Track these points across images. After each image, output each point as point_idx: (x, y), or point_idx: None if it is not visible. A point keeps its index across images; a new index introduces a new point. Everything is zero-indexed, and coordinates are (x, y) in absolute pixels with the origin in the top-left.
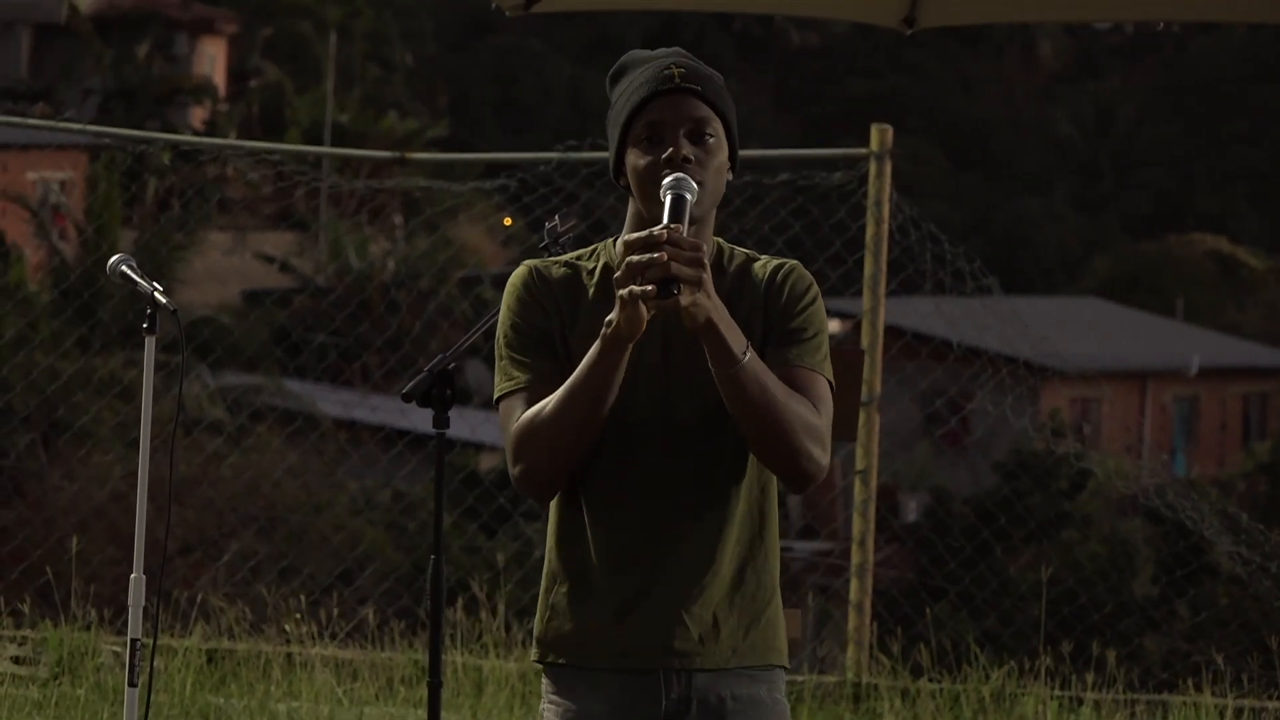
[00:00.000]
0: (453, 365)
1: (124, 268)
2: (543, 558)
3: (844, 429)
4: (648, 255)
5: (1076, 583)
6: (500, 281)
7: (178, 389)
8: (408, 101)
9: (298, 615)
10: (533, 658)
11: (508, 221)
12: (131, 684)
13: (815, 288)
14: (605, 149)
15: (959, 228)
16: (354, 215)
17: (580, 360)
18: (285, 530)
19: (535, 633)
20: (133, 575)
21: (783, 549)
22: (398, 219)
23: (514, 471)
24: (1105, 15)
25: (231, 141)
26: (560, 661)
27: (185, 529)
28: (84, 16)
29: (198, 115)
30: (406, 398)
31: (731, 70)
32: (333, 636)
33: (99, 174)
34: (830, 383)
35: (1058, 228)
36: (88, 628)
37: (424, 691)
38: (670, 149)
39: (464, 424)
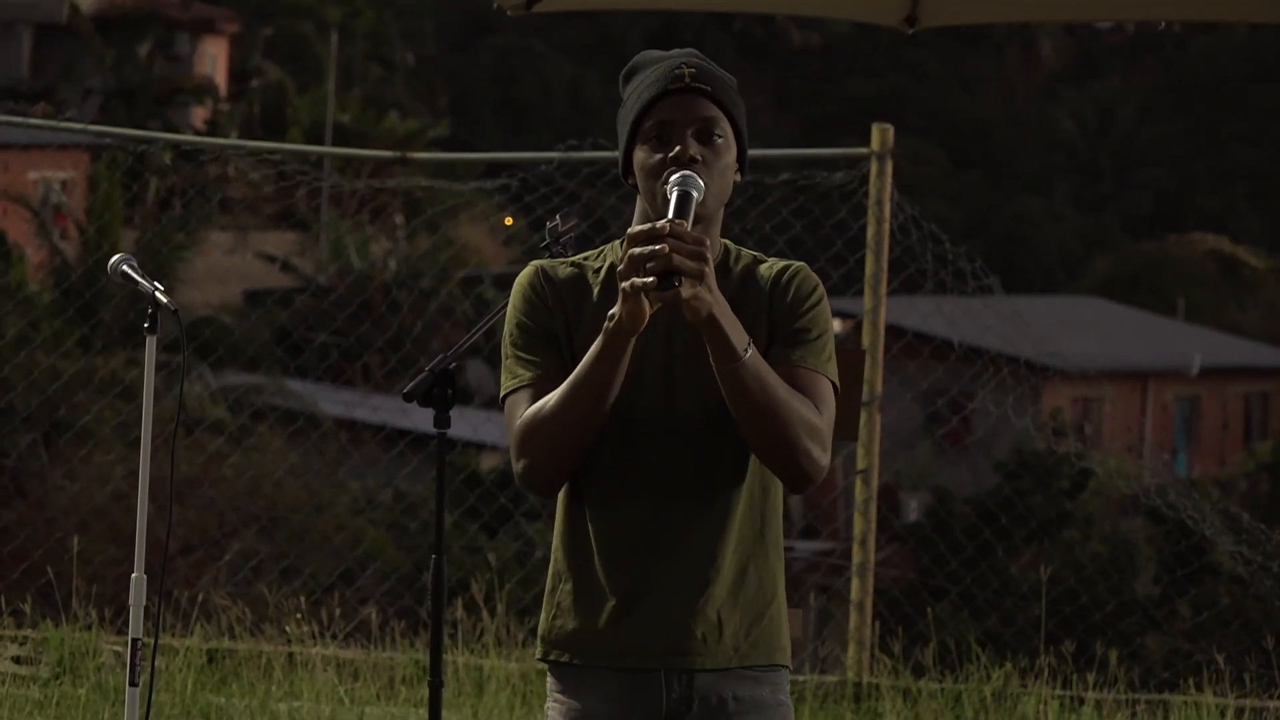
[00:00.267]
0: (454, 365)
1: (125, 267)
2: (544, 557)
3: (845, 429)
4: (650, 247)
5: (1078, 582)
6: (501, 281)
7: (179, 389)
8: (409, 101)
9: (299, 615)
10: (537, 655)
11: (509, 221)
12: (132, 684)
13: (821, 290)
14: (606, 148)
15: (960, 227)
16: (355, 215)
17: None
18: (286, 530)
19: (540, 631)
20: (134, 575)
21: (784, 548)
22: (399, 219)
23: (517, 468)
24: (1106, 15)
25: (233, 141)
26: (564, 659)
27: (186, 529)
28: (85, 16)
29: (199, 115)
30: (408, 397)
31: (732, 70)
32: (334, 636)
33: (100, 174)
34: (834, 384)
35: (1058, 227)
36: (89, 627)
37: (425, 691)
38: (677, 147)
39: (465, 424)
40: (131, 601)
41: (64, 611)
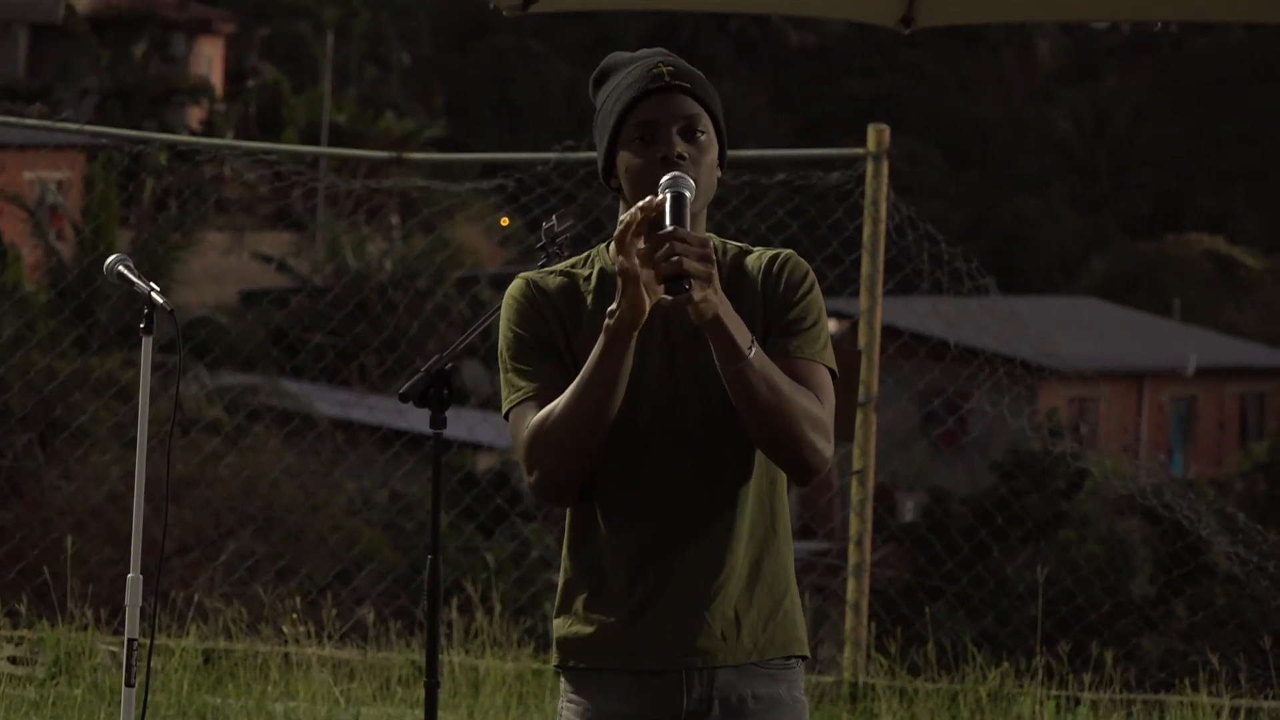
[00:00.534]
0: (450, 365)
1: (121, 268)
2: (540, 558)
3: (841, 429)
4: (661, 245)
5: (1074, 583)
6: (497, 281)
7: (175, 389)
8: (405, 102)
9: (295, 615)
10: (554, 662)
11: (505, 222)
12: (128, 684)
13: (811, 275)
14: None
15: (956, 228)
16: (351, 215)
17: (585, 361)
18: (282, 530)
19: (555, 637)
20: (130, 575)
21: None
22: (395, 219)
23: (530, 480)
24: (1103, 15)
25: (228, 142)
26: (583, 666)
27: (182, 529)
28: (81, 16)
29: (195, 115)
30: (404, 398)
31: (728, 70)
32: (330, 636)
33: (96, 174)
34: (832, 370)
35: (1055, 228)
36: (85, 628)
37: (421, 691)
38: (665, 148)
39: (461, 424)
40: (127, 602)
41: (60, 612)
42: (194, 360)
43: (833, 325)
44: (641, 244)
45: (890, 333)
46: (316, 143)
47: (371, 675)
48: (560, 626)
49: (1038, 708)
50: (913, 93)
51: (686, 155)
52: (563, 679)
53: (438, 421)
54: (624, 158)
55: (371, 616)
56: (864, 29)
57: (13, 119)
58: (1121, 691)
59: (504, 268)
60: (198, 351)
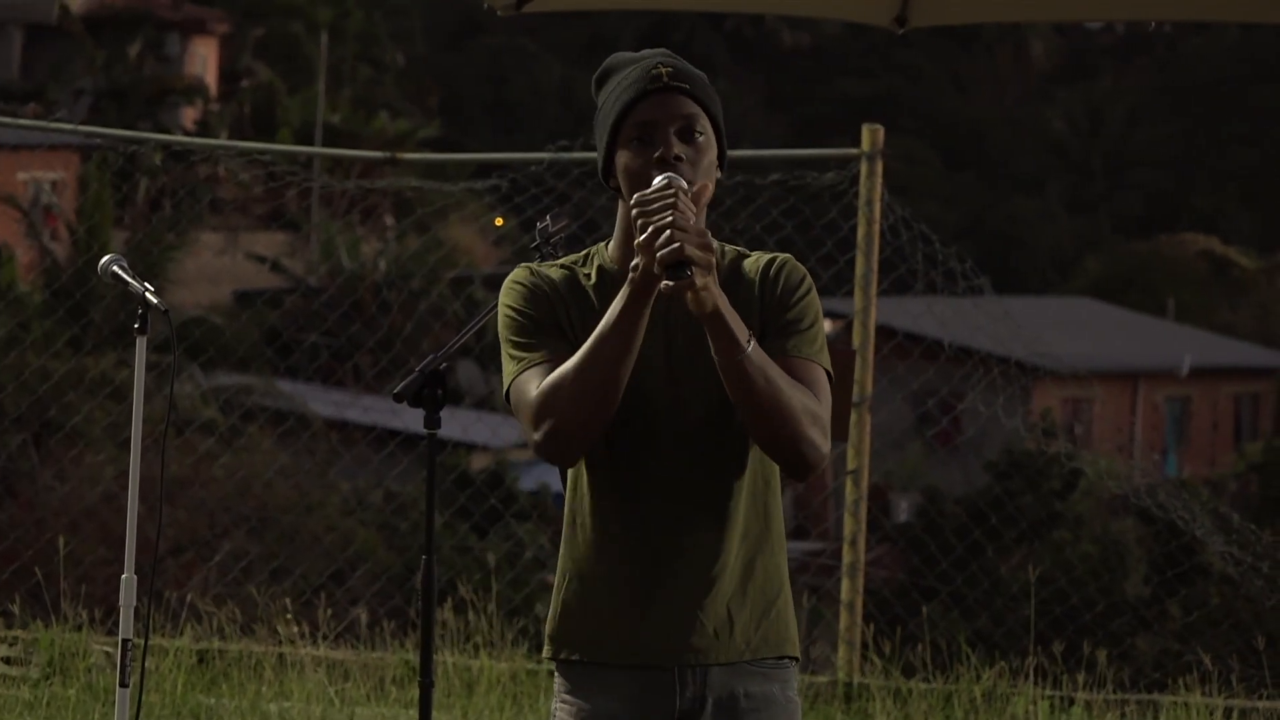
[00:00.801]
0: (444, 365)
1: (115, 268)
2: (534, 558)
3: (836, 429)
4: (659, 206)
5: (1068, 583)
6: (491, 282)
7: (169, 389)
8: (399, 102)
9: (289, 616)
10: (546, 654)
11: (499, 222)
12: (123, 684)
13: (809, 279)
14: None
15: (951, 228)
16: (345, 215)
17: None
18: (277, 531)
19: (547, 630)
20: (124, 575)
21: None
22: (389, 219)
23: (537, 436)
24: (1097, 15)
25: (223, 142)
26: (574, 658)
27: (177, 529)
28: (75, 17)
29: (189, 115)
30: (398, 398)
31: (723, 70)
32: (324, 637)
33: (90, 174)
34: (828, 372)
35: (1050, 228)
36: (79, 628)
37: (415, 692)
38: (662, 148)
39: (456, 424)
40: (122, 602)
41: (54, 612)
42: (188, 360)
43: (827, 325)
44: (649, 215)
45: (885, 333)
46: (311, 143)
47: (366, 675)
48: (554, 619)
49: (1032, 708)
50: (907, 93)
51: (684, 156)
52: (556, 677)
53: (432, 421)
54: (622, 158)
55: (366, 617)
56: (858, 29)
57: (7, 119)
58: (1115, 691)
59: (498, 268)
60: (192, 352)
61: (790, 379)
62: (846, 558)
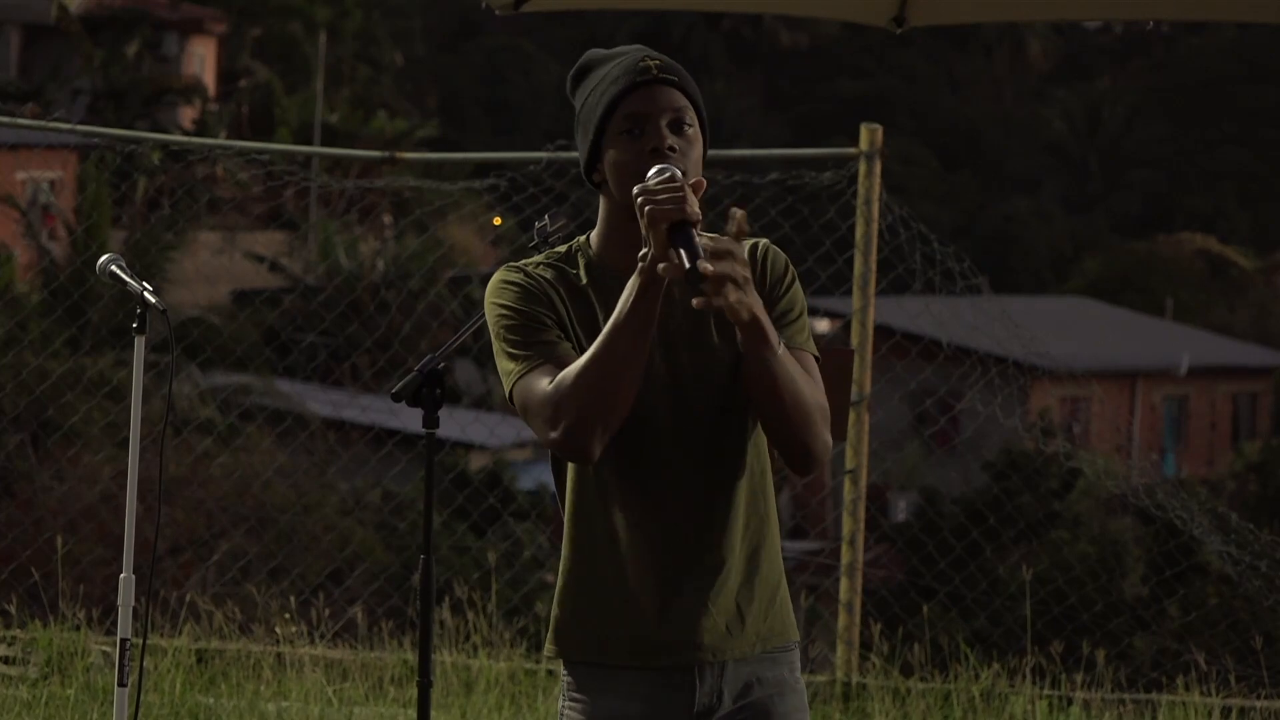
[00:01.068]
0: (442, 365)
1: (113, 267)
2: (533, 558)
3: (834, 428)
4: (667, 189)
5: (1066, 582)
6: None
7: (167, 389)
8: (397, 101)
9: (287, 615)
10: (549, 654)
11: (497, 221)
12: (121, 684)
13: (790, 265)
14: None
15: (948, 227)
16: (343, 215)
17: (590, 344)
18: (275, 530)
19: (553, 629)
20: (122, 575)
21: None
22: (387, 219)
23: (556, 434)
24: (1094, 15)
25: (221, 141)
26: (584, 660)
27: (175, 529)
28: (73, 16)
29: (187, 115)
30: (396, 397)
31: (721, 70)
32: (322, 636)
33: (88, 174)
34: (816, 357)
35: (1047, 227)
36: (77, 628)
37: (414, 691)
38: (655, 140)
39: (453, 424)
40: (120, 601)
41: (52, 612)
42: (187, 360)
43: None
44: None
45: (883, 332)
46: (309, 142)
47: (364, 675)
48: (558, 619)
49: (1030, 707)
50: (904, 93)
51: (676, 148)
52: (565, 677)
53: (430, 421)
54: (612, 152)
55: (364, 616)
56: (856, 29)
57: (5, 119)
58: (1114, 691)
59: (496, 267)
60: (190, 351)
61: (805, 375)
62: (845, 557)
